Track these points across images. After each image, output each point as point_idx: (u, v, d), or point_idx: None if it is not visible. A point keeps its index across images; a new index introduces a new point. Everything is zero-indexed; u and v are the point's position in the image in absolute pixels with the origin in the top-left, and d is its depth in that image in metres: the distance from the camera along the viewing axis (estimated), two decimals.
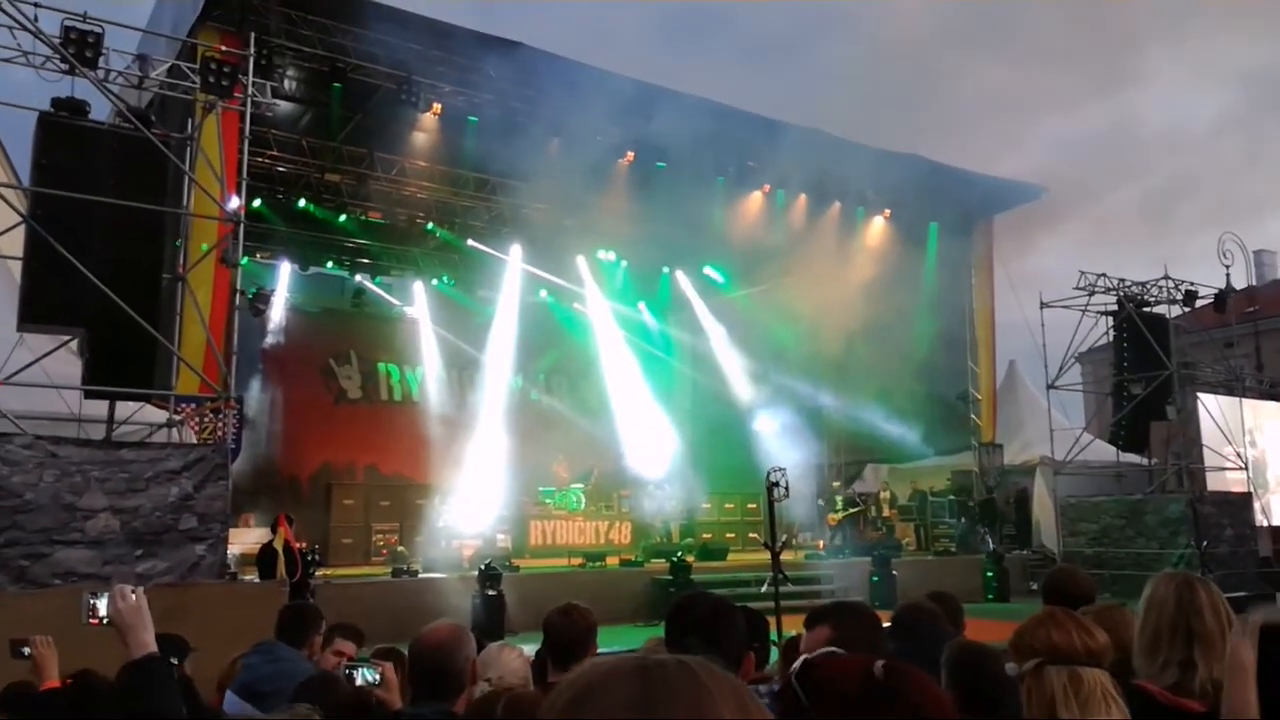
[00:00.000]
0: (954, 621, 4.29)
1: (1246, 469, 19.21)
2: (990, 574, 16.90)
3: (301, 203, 18.00)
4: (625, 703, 0.86)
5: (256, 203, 16.47)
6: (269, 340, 18.78)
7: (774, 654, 4.81)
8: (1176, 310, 19.00)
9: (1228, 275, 19.10)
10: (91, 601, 2.62)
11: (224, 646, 4.58)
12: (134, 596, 2.59)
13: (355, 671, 3.39)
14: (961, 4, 71.77)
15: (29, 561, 8.75)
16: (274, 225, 18.02)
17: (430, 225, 19.86)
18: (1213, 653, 2.28)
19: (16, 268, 10.16)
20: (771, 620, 7.05)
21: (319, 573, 12.24)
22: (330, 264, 20.05)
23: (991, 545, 18.24)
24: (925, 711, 1.51)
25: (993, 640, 3.23)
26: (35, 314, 9.79)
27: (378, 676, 3.35)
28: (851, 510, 19.08)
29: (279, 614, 4.55)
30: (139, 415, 10.98)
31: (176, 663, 3.76)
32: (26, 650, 3.49)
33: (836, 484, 20.41)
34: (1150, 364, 18.14)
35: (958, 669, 2.79)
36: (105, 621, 2.58)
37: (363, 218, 19.16)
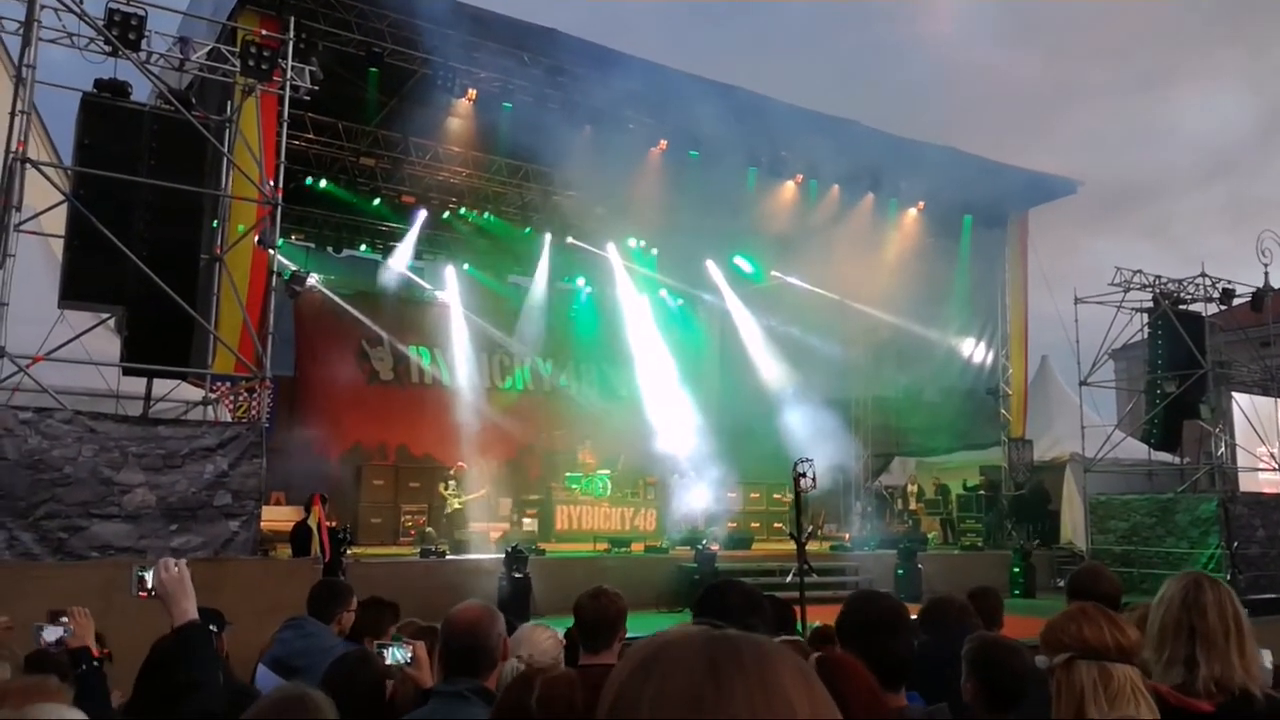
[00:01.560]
0: (993, 616, 4.32)
1: None
2: (1017, 569, 16.83)
3: (336, 186, 18.16)
4: (692, 669, 0.87)
5: (292, 185, 16.62)
6: (305, 319, 18.94)
7: None
8: (1213, 308, 18.75)
9: (1266, 274, 18.79)
10: (140, 575, 2.71)
11: (257, 622, 4.69)
12: (176, 568, 2.69)
13: (386, 650, 3.45)
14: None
15: (67, 534, 8.93)
16: (309, 208, 18.20)
17: (463, 210, 19.98)
18: (1214, 651, 2.30)
19: (58, 245, 10.33)
20: (795, 610, 7.09)
21: (349, 551, 12.39)
22: (363, 247, 20.22)
23: (1020, 541, 18.15)
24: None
25: (1017, 635, 3.25)
26: (76, 291, 9.96)
27: (409, 655, 3.42)
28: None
29: (311, 589, 4.63)
30: (175, 393, 11.15)
31: (216, 630, 3.85)
32: (65, 620, 3.58)
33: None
34: (1185, 362, 17.93)
35: (978, 664, 2.81)
36: (153, 593, 2.68)
37: (396, 201, 19.29)
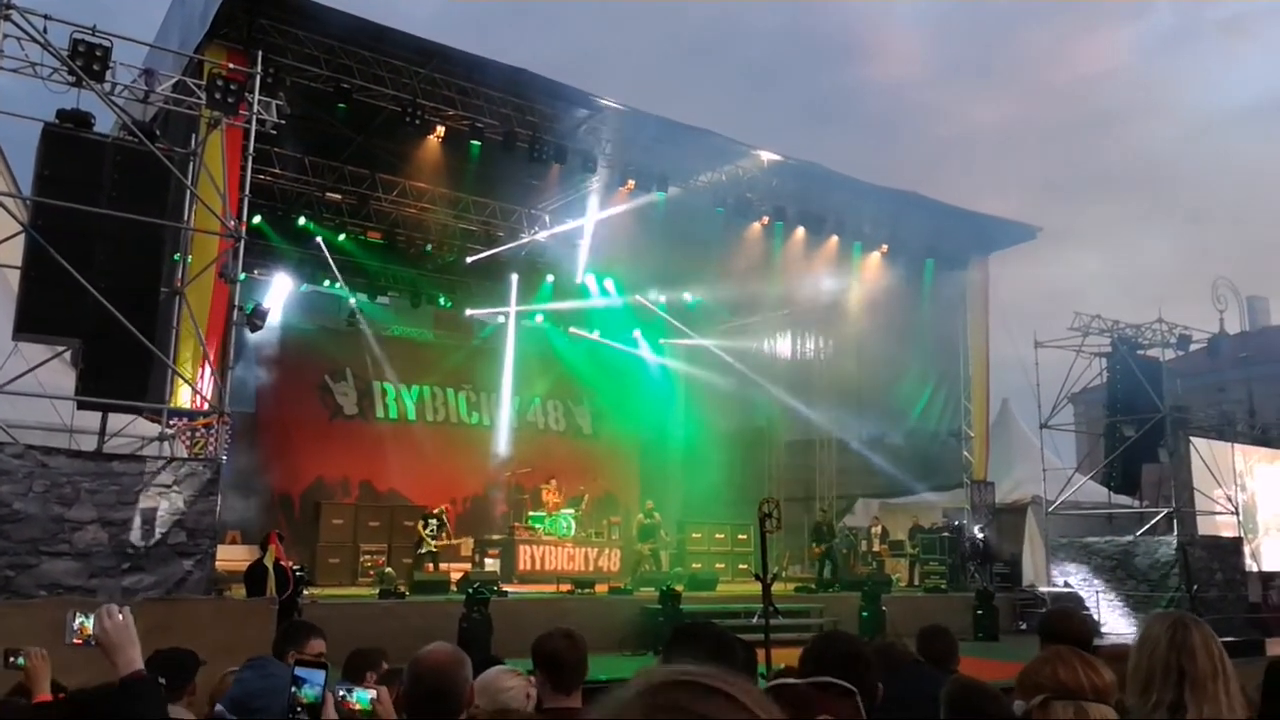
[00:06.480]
0: (948, 657, 4.29)
1: (1237, 513, 19.20)
2: (980, 612, 16.82)
3: (301, 221, 18.05)
4: None
5: (256, 219, 16.49)
6: (265, 355, 18.67)
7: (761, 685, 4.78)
8: (1170, 353, 19.05)
9: (1221, 320, 19.19)
10: (77, 621, 2.55)
11: (210, 663, 4.55)
12: (120, 615, 2.51)
13: (350, 694, 3.35)
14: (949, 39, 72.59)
15: (14, 572, 8.68)
16: (273, 242, 18.05)
17: (429, 246, 19.92)
18: (1204, 694, 2.25)
19: (14, 276, 10.13)
20: (760, 652, 7.02)
21: (306, 591, 12.14)
22: (328, 282, 20.06)
23: (983, 583, 18.17)
24: None
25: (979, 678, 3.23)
26: (31, 323, 9.76)
27: (373, 697, 3.32)
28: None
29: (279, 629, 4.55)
30: (131, 428, 10.93)
31: (164, 682, 3.71)
32: (20, 660, 3.42)
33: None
34: (1143, 406, 18.16)
35: (957, 709, 2.78)
36: (91, 642, 2.51)
37: (362, 237, 19.19)
